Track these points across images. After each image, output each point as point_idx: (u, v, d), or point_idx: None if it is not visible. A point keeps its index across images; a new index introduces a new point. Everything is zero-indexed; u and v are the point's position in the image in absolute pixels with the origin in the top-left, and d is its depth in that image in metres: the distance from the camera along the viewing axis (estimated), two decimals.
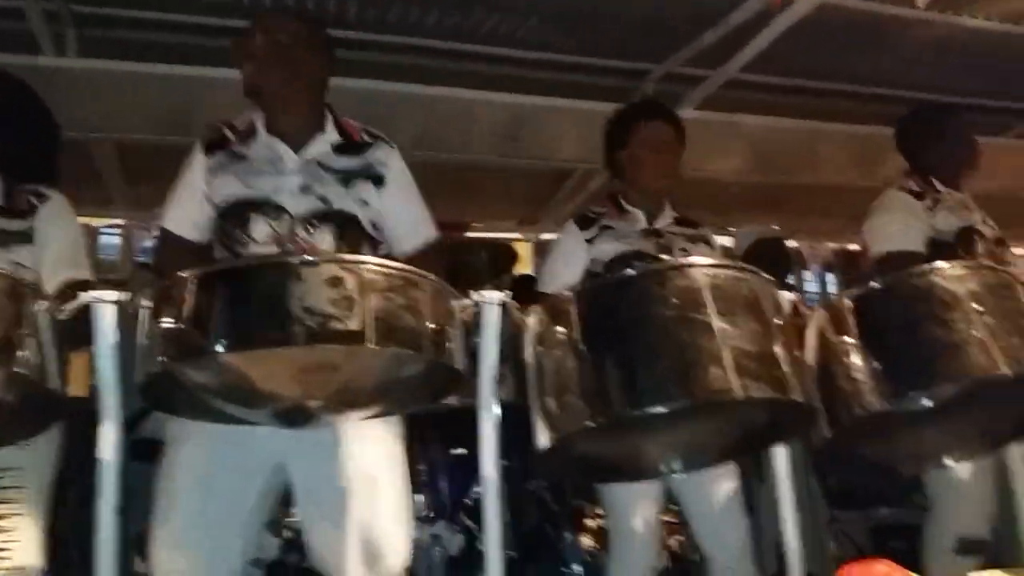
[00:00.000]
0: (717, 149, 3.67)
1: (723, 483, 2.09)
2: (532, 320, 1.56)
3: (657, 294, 1.48)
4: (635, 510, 2.10)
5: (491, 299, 1.56)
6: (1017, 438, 1.88)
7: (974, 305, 1.61)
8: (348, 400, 1.51)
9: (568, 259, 2.28)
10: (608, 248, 2.26)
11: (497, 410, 1.52)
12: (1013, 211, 4.60)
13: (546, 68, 3.59)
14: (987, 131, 4.24)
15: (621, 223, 2.33)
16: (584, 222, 2.35)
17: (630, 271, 1.61)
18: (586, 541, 2.98)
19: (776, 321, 1.55)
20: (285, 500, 1.89)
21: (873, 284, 1.73)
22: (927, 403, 1.82)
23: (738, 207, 4.32)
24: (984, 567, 2.26)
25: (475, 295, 1.53)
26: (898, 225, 2.48)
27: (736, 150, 3.80)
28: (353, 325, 1.23)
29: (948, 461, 1.95)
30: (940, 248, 2.43)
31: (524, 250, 4.68)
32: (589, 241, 2.29)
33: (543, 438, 1.48)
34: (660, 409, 1.43)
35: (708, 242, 2.38)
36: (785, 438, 1.72)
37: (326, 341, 1.24)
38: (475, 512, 2.92)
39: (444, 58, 3.47)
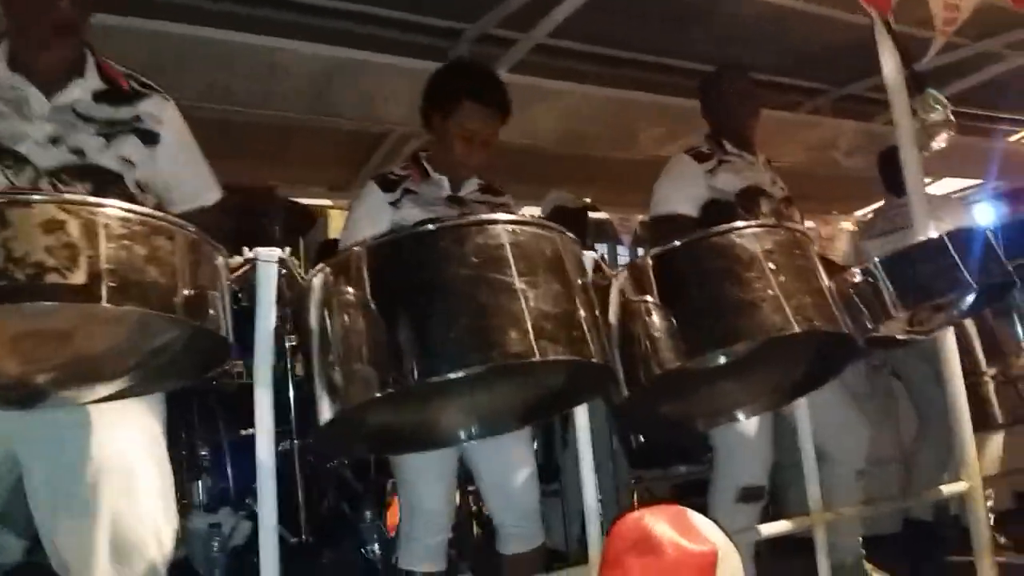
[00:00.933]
0: (529, 116, 3.63)
1: (513, 448, 2.04)
2: (316, 280, 1.40)
3: (455, 251, 1.37)
4: (428, 481, 2.00)
5: (267, 256, 1.39)
6: (805, 391, 1.96)
7: (768, 264, 1.64)
8: (85, 374, 1.29)
9: (375, 220, 2.13)
10: (411, 214, 2.13)
11: (277, 388, 1.37)
12: (807, 185, 4.97)
13: (359, 20, 3.38)
14: (782, 107, 4.52)
15: (424, 188, 2.21)
16: (387, 184, 2.21)
17: (429, 225, 1.49)
18: (393, 519, 2.87)
19: (579, 281, 1.50)
20: None
21: (674, 243, 1.72)
22: (722, 360, 1.87)
23: (552, 177, 4.32)
24: (764, 513, 2.38)
25: (248, 252, 1.36)
26: (670, 189, 2.54)
27: (549, 118, 3.77)
28: (77, 278, 1.02)
29: (741, 416, 2.01)
30: (721, 208, 2.50)
31: (337, 218, 4.45)
32: (393, 204, 2.16)
33: (325, 411, 1.34)
34: (455, 375, 1.33)
35: (511, 211, 2.31)
36: (584, 399, 1.69)
37: (41, 298, 1.02)
38: None
39: (245, 2, 3.18)
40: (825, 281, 1.72)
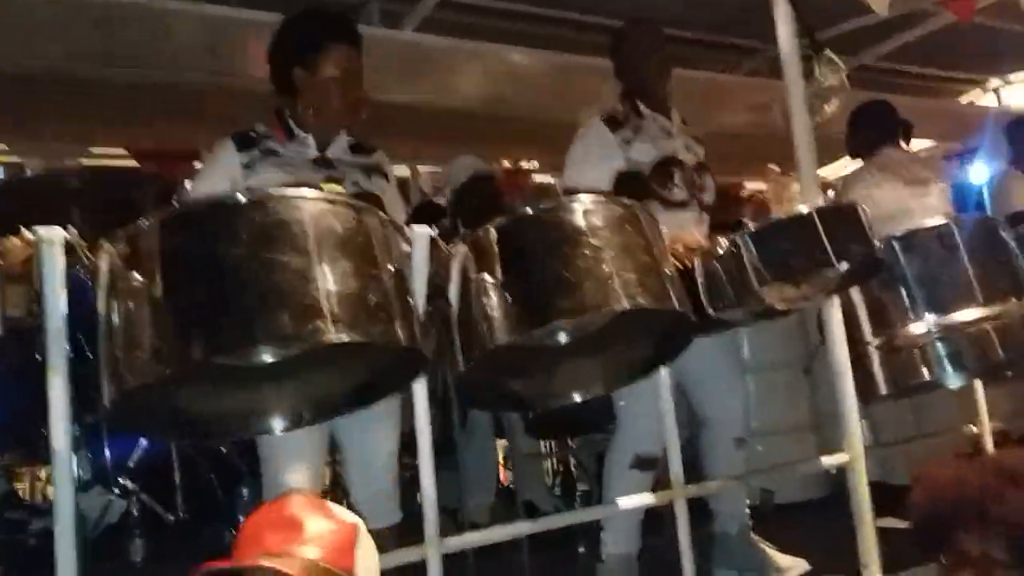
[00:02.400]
0: (443, 75, 3.54)
1: (375, 426, 2.00)
2: (103, 263, 1.35)
3: (248, 227, 1.32)
4: (288, 459, 1.96)
5: (50, 237, 1.35)
6: (658, 366, 1.93)
7: (593, 240, 1.60)
8: None
9: (218, 183, 1.97)
10: (269, 178, 1.98)
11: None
12: (746, 147, 4.87)
13: None
14: (719, 68, 4.41)
15: (289, 149, 2.09)
16: (244, 142, 2.03)
17: (227, 197, 1.42)
18: None
19: (389, 266, 1.45)
20: None
21: (504, 219, 1.68)
22: (563, 337, 1.84)
23: (487, 139, 4.24)
24: (658, 482, 2.37)
25: (27, 232, 1.31)
26: (582, 158, 2.47)
27: (464, 77, 3.68)
28: None
29: (596, 392, 1.99)
30: (634, 179, 2.45)
31: None
32: (247, 166, 2.00)
33: (105, 395, 1.31)
34: (234, 360, 1.30)
35: (384, 172, 2.21)
36: (404, 381, 1.65)
37: None
38: (141, 475, 2.72)
39: None
40: (658, 256, 1.68)
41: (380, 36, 3.33)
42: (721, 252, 2.04)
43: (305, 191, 1.43)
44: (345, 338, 1.31)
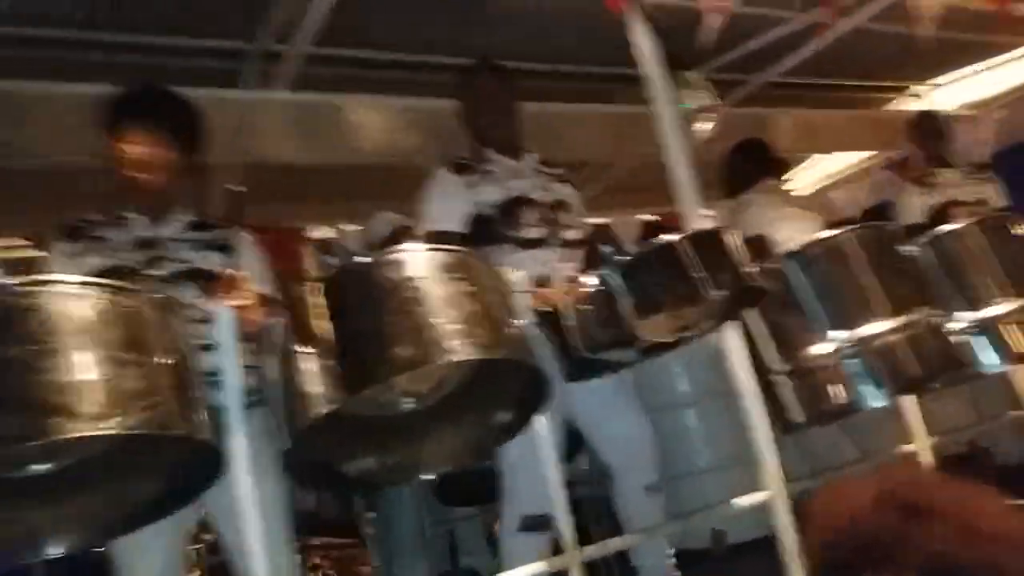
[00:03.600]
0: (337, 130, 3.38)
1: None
2: None
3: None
4: (140, 561, 1.76)
5: None
6: (520, 426, 1.75)
7: (414, 292, 1.43)
8: None
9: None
10: (91, 265, 1.84)
11: None
12: (631, 178, 4.71)
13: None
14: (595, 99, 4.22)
15: (114, 232, 1.93)
16: (72, 234, 1.93)
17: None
18: None
19: (163, 350, 1.27)
20: None
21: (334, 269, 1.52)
22: (406, 405, 1.66)
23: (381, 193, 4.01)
24: (555, 542, 2.16)
25: None
26: (433, 207, 2.31)
27: (367, 132, 3.51)
28: None
29: (464, 460, 1.80)
30: (484, 222, 2.30)
31: None
32: (73, 256, 1.87)
33: None
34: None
35: (227, 247, 2.03)
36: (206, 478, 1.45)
37: None
38: None
39: None
40: (492, 303, 1.51)
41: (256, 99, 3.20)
42: (591, 290, 1.88)
43: (45, 277, 1.26)
44: (88, 431, 1.13)
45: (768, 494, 2.16)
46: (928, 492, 0.83)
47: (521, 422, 1.72)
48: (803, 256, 2.22)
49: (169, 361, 1.27)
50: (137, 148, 1.91)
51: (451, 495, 2.88)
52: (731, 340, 2.22)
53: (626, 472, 2.27)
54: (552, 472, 1.95)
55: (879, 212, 3.88)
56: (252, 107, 3.19)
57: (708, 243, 1.94)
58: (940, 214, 3.68)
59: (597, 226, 2.59)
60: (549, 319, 1.94)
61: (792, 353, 2.22)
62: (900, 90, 5.66)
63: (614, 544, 2.18)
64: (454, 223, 2.25)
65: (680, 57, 2.33)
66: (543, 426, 1.88)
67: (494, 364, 1.61)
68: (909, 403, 2.55)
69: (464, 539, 3.29)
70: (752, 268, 1.93)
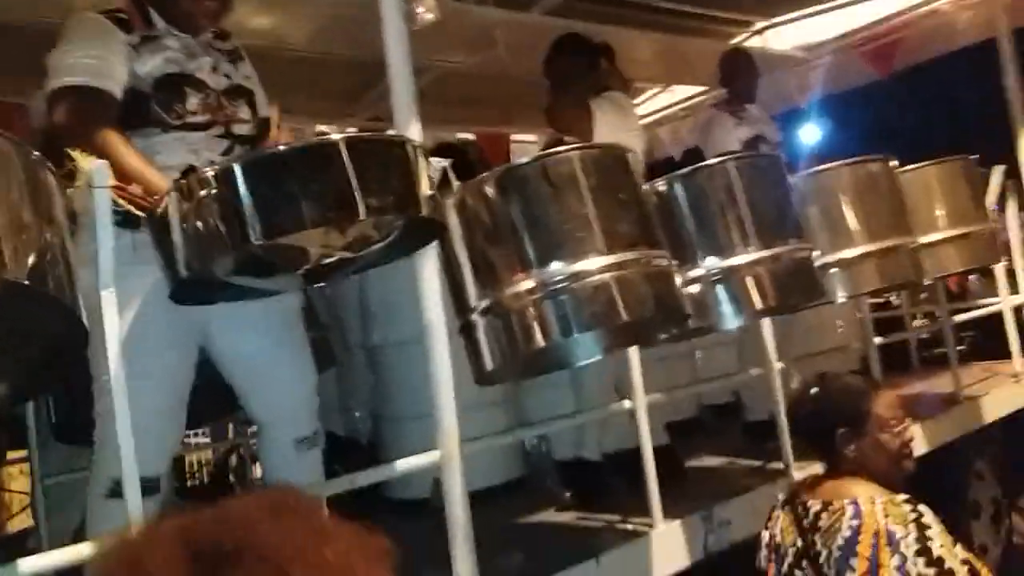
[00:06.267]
0: None
1: None
2: None
3: None
4: None
5: None
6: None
7: None
8: None
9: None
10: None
11: None
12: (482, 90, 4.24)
13: None
14: None
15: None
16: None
17: None
18: None
19: None
20: None
21: None
22: None
23: None
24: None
25: None
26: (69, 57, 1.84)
27: None
28: None
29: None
30: (137, 98, 1.84)
31: None
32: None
33: None
34: None
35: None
36: None
37: None
38: None
39: None
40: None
41: None
42: (202, 193, 1.48)
43: None
44: None
45: (439, 453, 1.88)
46: (238, 533, 0.54)
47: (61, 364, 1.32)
48: (515, 176, 1.89)
49: None
50: None
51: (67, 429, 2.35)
52: (424, 271, 1.89)
53: (278, 424, 1.92)
54: (166, 423, 1.59)
55: (697, 154, 3.68)
56: None
57: (379, 153, 1.57)
58: (749, 147, 3.55)
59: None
60: (156, 224, 1.54)
61: (493, 288, 1.90)
62: (743, 24, 5.42)
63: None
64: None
65: None
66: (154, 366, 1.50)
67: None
68: (633, 356, 2.33)
69: None
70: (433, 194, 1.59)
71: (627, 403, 2.35)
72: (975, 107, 7.22)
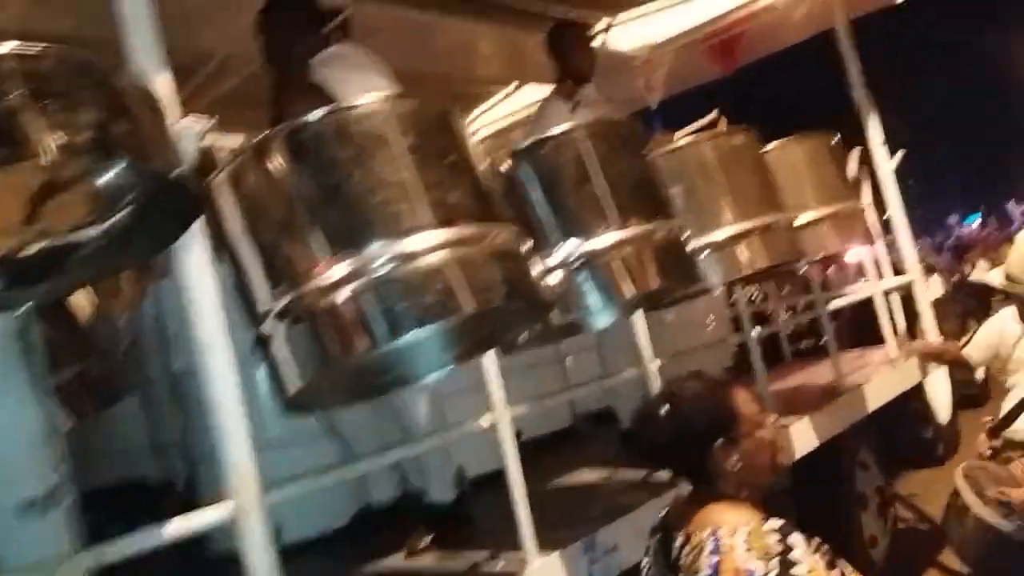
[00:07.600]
0: None
1: None
2: None
3: None
4: None
5: None
6: None
7: None
8: None
9: None
10: None
11: None
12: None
13: None
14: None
15: None
16: None
17: None
18: None
19: None
20: None
21: None
22: None
23: None
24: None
25: None
26: None
27: None
28: None
29: None
30: None
31: None
32: None
33: None
34: None
35: None
36: None
37: None
38: None
39: None
40: None
41: None
42: None
43: None
44: None
45: (230, 505, 1.40)
46: None
47: None
48: (305, 136, 1.45)
49: None
50: None
51: None
52: (188, 267, 1.41)
53: None
54: None
55: None
56: None
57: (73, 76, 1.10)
58: None
59: None
60: None
61: (291, 284, 1.44)
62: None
63: None
64: None
65: None
66: None
67: None
68: (490, 364, 1.93)
69: None
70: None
71: (485, 420, 1.93)
72: (818, 100, 7.38)
